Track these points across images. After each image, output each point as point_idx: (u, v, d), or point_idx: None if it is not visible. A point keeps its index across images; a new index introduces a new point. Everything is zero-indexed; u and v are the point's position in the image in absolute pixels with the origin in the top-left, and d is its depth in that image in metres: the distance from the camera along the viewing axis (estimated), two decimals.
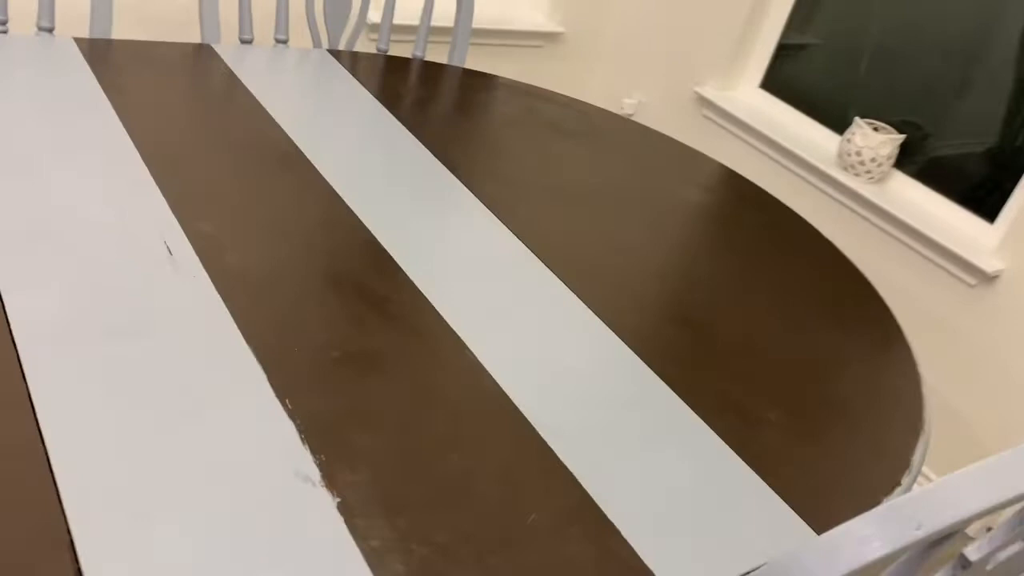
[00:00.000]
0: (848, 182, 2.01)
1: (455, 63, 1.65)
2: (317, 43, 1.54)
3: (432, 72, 1.55)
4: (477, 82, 1.56)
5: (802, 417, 0.91)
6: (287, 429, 0.72)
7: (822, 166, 2.07)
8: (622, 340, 0.95)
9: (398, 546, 0.65)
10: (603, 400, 0.85)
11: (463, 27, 1.64)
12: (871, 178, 2.01)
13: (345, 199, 1.08)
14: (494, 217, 1.12)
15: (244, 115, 1.21)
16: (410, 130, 1.30)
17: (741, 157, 2.34)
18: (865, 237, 2.03)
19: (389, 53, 1.58)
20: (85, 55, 1.23)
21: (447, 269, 0.99)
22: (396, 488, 0.70)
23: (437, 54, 2.43)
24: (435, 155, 1.24)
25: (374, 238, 1.01)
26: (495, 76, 1.60)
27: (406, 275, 0.96)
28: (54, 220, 0.89)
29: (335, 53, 1.49)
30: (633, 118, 2.75)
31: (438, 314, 0.91)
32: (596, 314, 0.98)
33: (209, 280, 0.87)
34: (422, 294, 0.93)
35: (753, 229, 1.29)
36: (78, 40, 1.27)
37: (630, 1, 2.66)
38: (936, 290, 1.90)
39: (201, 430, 0.70)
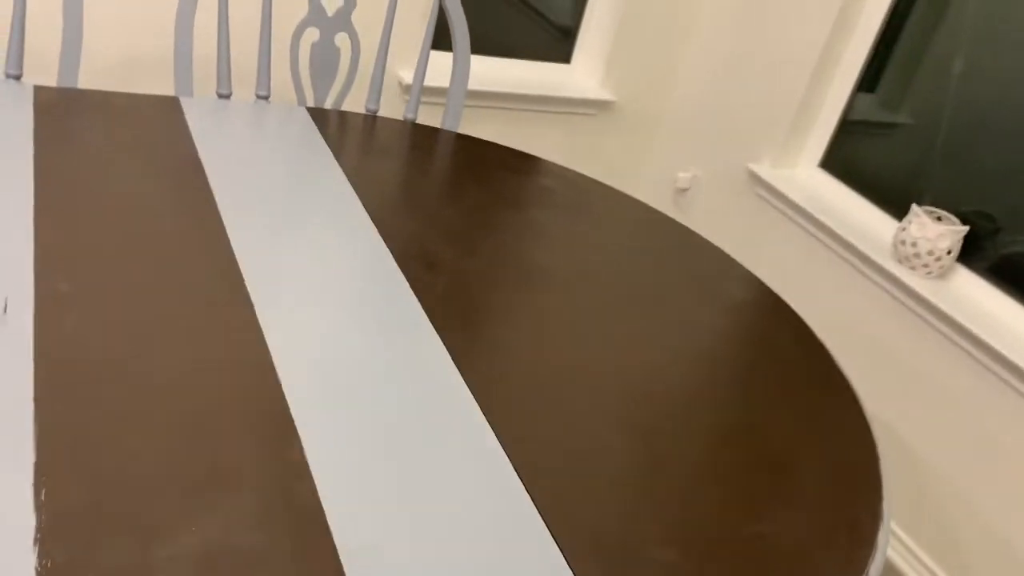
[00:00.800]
0: (902, 276, 1.79)
1: (448, 127, 1.57)
2: (301, 100, 1.49)
3: (412, 134, 1.46)
4: (457, 145, 1.47)
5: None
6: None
7: (876, 257, 1.85)
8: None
9: None
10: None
11: (457, 89, 1.56)
12: (929, 272, 1.78)
13: (242, 268, 0.99)
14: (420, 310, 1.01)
15: (171, 170, 1.15)
16: (356, 191, 1.21)
17: (792, 241, 2.15)
18: (920, 337, 1.79)
19: (379, 115, 1.51)
20: (36, 103, 1.21)
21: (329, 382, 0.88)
22: None
23: (465, 119, 2.37)
24: (375, 224, 1.15)
25: (256, 323, 0.91)
26: (483, 141, 1.50)
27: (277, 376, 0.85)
28: None
29: (318, 112, 1.43)
30: (688, 194, 2.60)
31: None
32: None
33: (31, 342, 0.79)
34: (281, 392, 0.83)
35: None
36: (38, 88, 1.25)
37: (688, 70, 2.53)
38: (993, 404, 1.64)
39: None
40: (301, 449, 0.76)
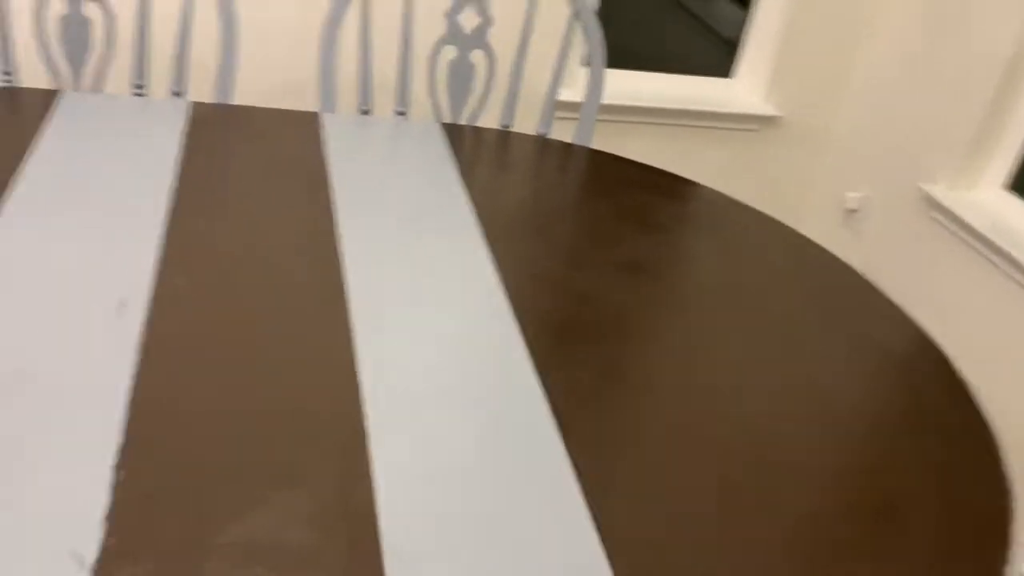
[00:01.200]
0: None
1: (579, 142, 1.55)
2: (438, 116, 1.53)
3: (542, 150, 1.46)
4: (587, 162, 1.45)
5: None
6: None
7: None
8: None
9: None
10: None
11: (590, 104, 1.54)
12: None
13: (348, 285, 1.02)
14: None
15: (299, 181, 1.21)
16: (476, 210, 1.23)
17: (971, 271, 1.95)
18: None
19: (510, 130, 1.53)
20: (190, 117, 1.32)
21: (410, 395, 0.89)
22: None
23: (609, 134, 2.33)
24: (490, 247, 1.16)
25: (350, 348, 0.95)
26: (614, 157, 1.48)
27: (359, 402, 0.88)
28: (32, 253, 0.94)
29: (452, 127, 1.46)
30: (857, 215, 2.43)
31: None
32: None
33: (138, 337, 0.86)
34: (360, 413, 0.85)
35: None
36: (195, 104, 1.36)
37: (858, 83, 2.37)
38: None
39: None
40: (369, 470, 0.77)
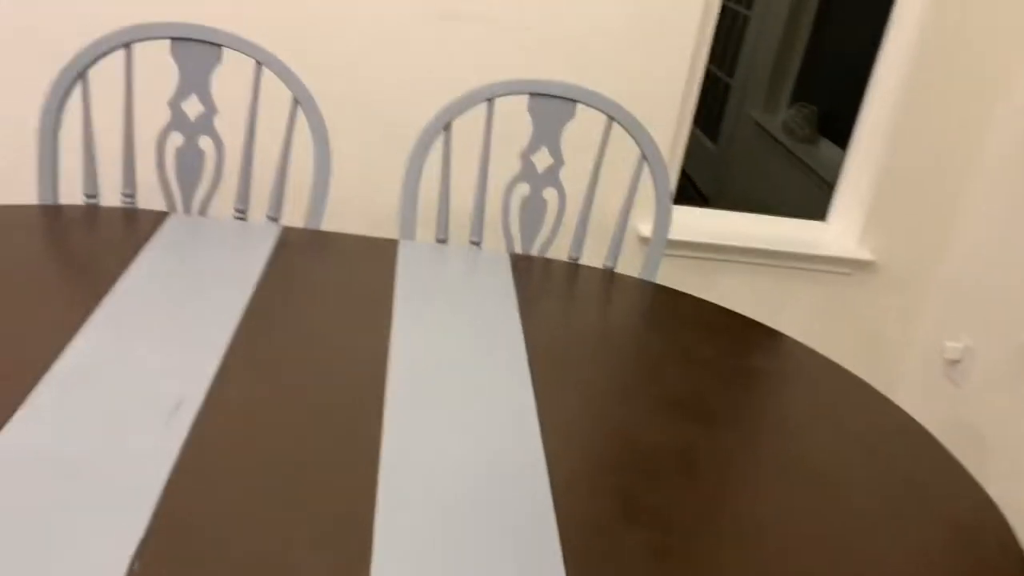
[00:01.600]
0: None
1: (646, 277, 1.59)
2: (509, 247, 1.60)
3: (605, 283, 1.50)
4: (649, 299, 1.48)
5: None
6: None
7: None
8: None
9: None
10: None
11: (657, 240, 1.58)
12: None
13: (387, 402, 1.08)
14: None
15: (365, 304, 1.29)
16: (526, 333, 1.27)
17: None
18: None
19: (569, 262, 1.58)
20: (279, 240, 1.45)
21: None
22: None
23: (702, 271, 2.35)
24: (534, 390, 1.20)
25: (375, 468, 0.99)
26: (679, 294, 1.50)
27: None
28: (102, 363, 1.04)
29: (521, 258, 1.53)
30: (959, 366, 2.32)
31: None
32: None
33: (184, 438, 0.93)
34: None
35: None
36: (286, 228, 1.49)
37: (959, 229, 2.31)
38: None
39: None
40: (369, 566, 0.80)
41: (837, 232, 2.46)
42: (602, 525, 0.91)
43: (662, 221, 1.58)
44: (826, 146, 3.51)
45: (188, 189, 1.57)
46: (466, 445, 1.01)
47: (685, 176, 4.53)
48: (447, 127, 1.57)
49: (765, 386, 1.25)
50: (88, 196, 1.51)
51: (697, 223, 2.38)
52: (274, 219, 1.57)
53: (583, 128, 2.10)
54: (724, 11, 4.67)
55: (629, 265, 2.31)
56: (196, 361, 1.08)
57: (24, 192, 2.13)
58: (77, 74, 1.48)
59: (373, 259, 1.44)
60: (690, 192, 4.51)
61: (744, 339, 1.38)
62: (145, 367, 1.05)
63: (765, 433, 1.13)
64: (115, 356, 1.06)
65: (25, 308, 1.13)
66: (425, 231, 2.13)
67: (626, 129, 1.57)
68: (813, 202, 3.35)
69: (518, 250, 1.65)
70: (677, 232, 2.29)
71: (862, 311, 2.46)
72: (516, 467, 0.98)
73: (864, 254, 2.36)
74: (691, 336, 1.36)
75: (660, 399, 1.17)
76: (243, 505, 0.85)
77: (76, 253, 1.30)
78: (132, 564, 0.76)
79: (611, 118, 1.56)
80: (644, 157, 1.57)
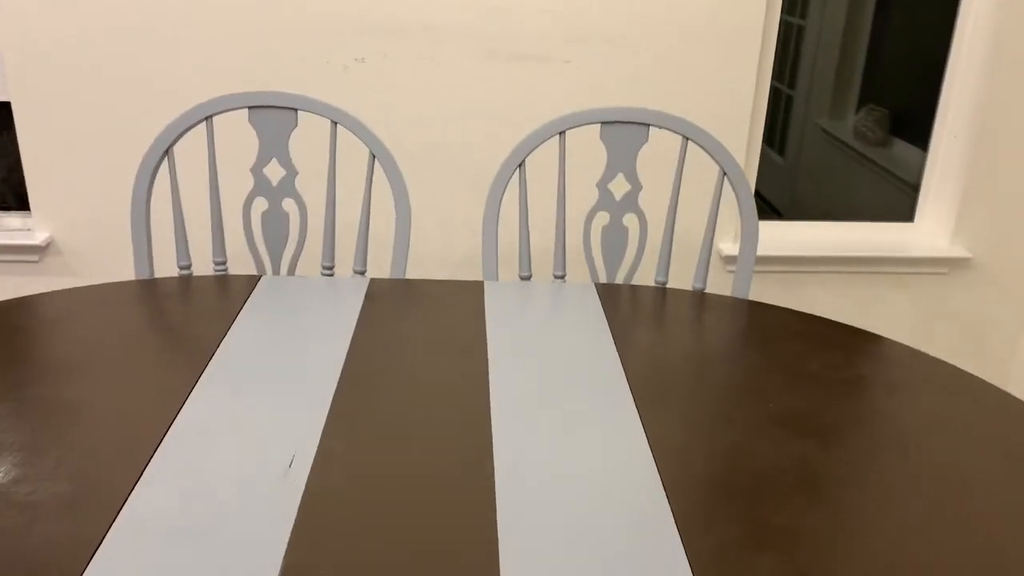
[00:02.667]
0: None
1: (738, 294, 1.55)
2: (594, 277, 1.59)
3: (695, 304, 1.47)
4: (747, 313, 1.44)
5: None
6: None
7: None
8: None
9: None
10: None
11: (745, 256, 1.55)
12: None
13: (494, 438, 1.07)
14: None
15: (459, 347, 1.29)
16: (623, 361, 1.25)
17: None
18: None
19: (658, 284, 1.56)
20: (368, 291, 1.46)
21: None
22: None
23: (791, 285, 2.29)
24: (635, 399, 1.18)
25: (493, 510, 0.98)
26: (775, 308, 1.46)
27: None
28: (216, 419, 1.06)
29: (608, 287, 1.52)
30: None
31: None
32: None
33: (302, 491, 0.94)
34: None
35: None
36: (373, 280, 1.51)
37: None
38: None
39: None
40: None
41: (926, 232, 2.38)
42: (731, 550, 0.88)
43: (750, 235, 1.55)
44: (901, 147, 3.42)
45: (276, 251, 1.60)
46: (579, 473, 0.99)
47: (756, 193, 4.46)
48: (521, 164, 1.57)
49: (877, 395, 1.20)
50: (182, 267, 1.56)
51: (779, 236, 2.33)
52: (361, 272, 1.59)
53: (655, 153, 2.09)
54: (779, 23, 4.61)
55: (715, 287, 2.27)
56: (304, 415, 1.09)
57: (119, 271, 2.21)
58: (164, 151, 1.54)
59: (461, 301, 1.45)
60: (763, 208, 4.43)
61: (848, 348, 1.33)
62: (256, 425, 1.07)
63: (886, 444, 1.08)
64: (226, 417, 1.08)
65: (136, 378, 1.16)
66: (506, 271, 2.14)
67: (702, 147, 1.55)
68: (893, 205, 3.26)
69: (602, 280, 1.64)
70: (760, 247, 2.24)
71: (963, 310, 2.36)
72: (633, 494, 0.96)
73: (959, 251, 2.28)
74: (793, 349, 1.32)
75: (769, 416, 1.13)
76: (366, 551, 0.85)
77: (178, 321, 1.34)
78: None
79: (686, 138, 1.55)
80: (724, 173, 1.55)
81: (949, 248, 2.29)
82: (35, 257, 2.17)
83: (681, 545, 0.88)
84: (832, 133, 3.92)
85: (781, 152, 4.52)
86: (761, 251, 2.22)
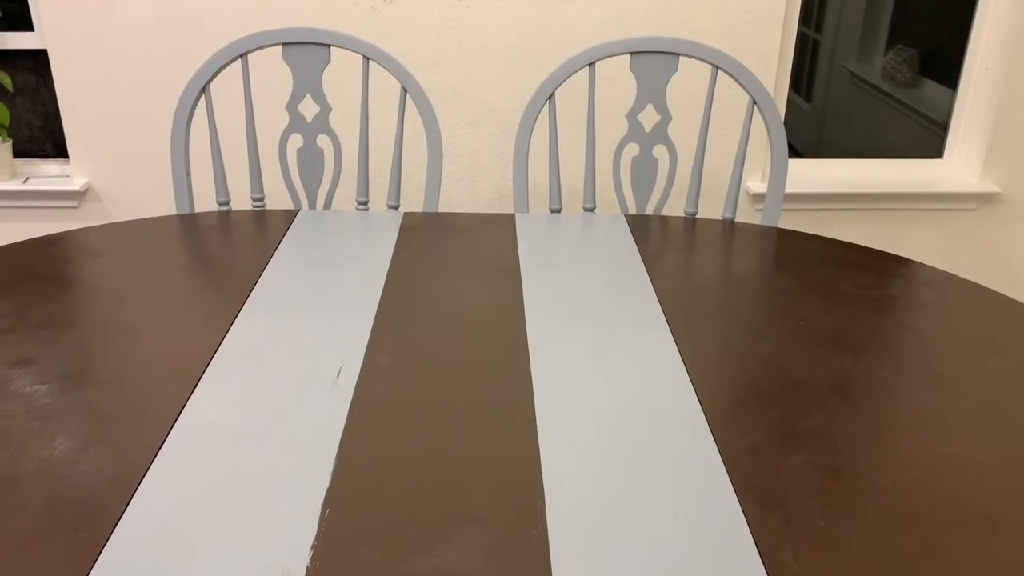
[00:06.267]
0: None
1: (767, 223, 1.56)
2: (624, 209, 1.61)
3: (726, 232, 1.49)
4: (775, 240, 1.46)
5: None
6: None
7: None
8: None
9: None
10: None
11: (774, 191, 1.56)
12: None
13: (532, 358, 1.11)
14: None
15: (492, 273, 1.32)
16: (655, 285, 1.28)
17: None
18: None
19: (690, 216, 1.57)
20: (403, 224, 1.49)
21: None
22: None
23: (820, 222, 2.29)
24: (667, 319, 1.20)
25: (533, 420, 1.02)
26: (805, 234, 1.47)
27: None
28: (258, 341, 1.10)
29: (638, 218, 1.54)
30: None
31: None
32: None
33: (349, 400, 0.98)
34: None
35: None
36: (407, 214, 1.54)
37: None
38: None
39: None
40: (544, 514, 0.83)
41: (955, 168, 2.36)
42: (765, 452, 0.91)
43: (779, 168, 1.56)
44: (930, 87, 3.38)
45: (312, 187, 1.64)
46: (616, 390, 1.02)
47: None
48: (551, 97, 1.59)
49: (910, 313, 1.22)
50: (221, 203, 1.59)
51: (809, 174, 2.33)
52: (394, 207, 1.62)
53: (686, 84, 2.09)
54: None
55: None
56: (348, 331, 1.13)
57: (157, 214, 2.26)
58: (200, 89, 1.57)
59: (493, 232, 1.48)
60: (790, 154, 4.40)
61: (881, 270, 1.34)
62: (302, 341, 1.11)
63: (918, 357, 1.10)
64: (273, 335, 1.12)
65: (183, 304, 1.21)
66: (536, 206, 2.16)
67: (732, 76, 1.56)
68: (923, 145, 3.23)
69: (632, 211, 1.66)
70: (789, 185, 2.25)
71: (992, 245, 2.35)
72: (669, 406, 0.99)
73: (988, 186, 2.27)
74: (825, 272, 1.34)
75: (801, 333, 1.15)
76: (412, 453, 0.89)
77: (219, 253, 1.38)
78: (323, 510, 0.81)
79: (716, 67, 1.55)
80: (754, 102, 1.55)
81: (978, 184, 2.28)
82: (74, 203, 2.22)
83: (715, 447, 0.91)
84: (860, 76, 3.87)
85: (808, 98, 4.47)
86: (790, 189, 2.23)
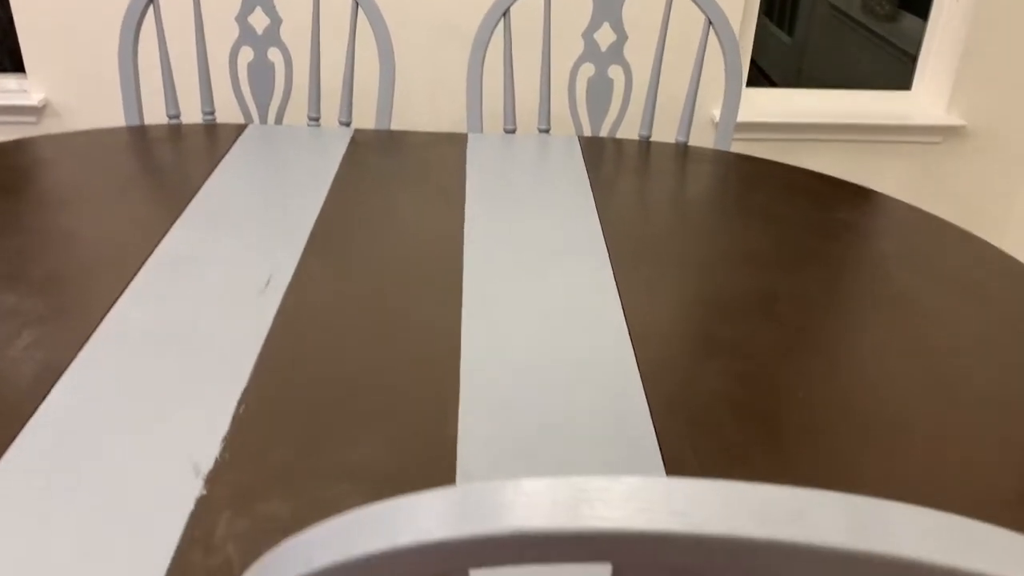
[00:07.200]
0: None
1: (721, 147, 1.56)
2: (579, 131, 1.60)
3: (678, 155, 1.49)
4: (722, 163, 1.46)
5: None
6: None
7: None
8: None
9: None
10: None
11: (726, 116, 1.55)
12: None
13: (465, 269, 1.11)
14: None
15: (437, 190, 1.32)
16: (597, 201, 1.28)
17: None
18: None
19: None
20: (352, 141, 1.48)
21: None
22: None
23: (783, 152, 2.29)
24: (603, 232, 1.21)
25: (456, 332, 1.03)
26: (762, 159, 1.47)
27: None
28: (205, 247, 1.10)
29: (592, 140, 1.53)
30: None
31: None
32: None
33: (277, 307, 0.99)
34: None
35: None
36: (358, 130, 1.53)
37: None
38: None
39: None
40: (456, 413, 0.84)
41: (923, 100, 2.35)
42: (680, 360, 0.92)
43: (733, 85, 1.55)
44: (909, 20, 3.34)
45: (263, 101, 1.62)
46: (542, 303, 1.03)
47: (761, 72, 4.38)
48: (506, 13, 1.56)
49: (853, 235, 1.23)
50: (171, 117, 1.58)
51: (775, 104, 2.32)
52: (346, 124, 1.60)
53: (644, 2, 2.06)
54: None
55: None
56: (283, 243, 1.13)
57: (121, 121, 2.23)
58: (148, 1, 1.54)
59: (443, 152, 1.47)
60: (768, 85, 4.36)
61: (832, 197, 1.35)
62: (235, 252, 1.11)
63: (852, 275, 1.12)
64: (207, 245, 1.13)
65: (121, 211, 1.20)
66: (491, 125, 2.14)
67: None
68: (900, 78, 3.21)
69: (587, 134, 1.65)
70: (755, 114, 2.23)
71: (956, 180, 2.36)
72: (593, 320, 1.00)
73: (954, 119, 2.26)
74: (773, 197, 1.34)
75: (740, 253, 1.16)
76: (332, 354, 0.90)
77: (164, 164, 1.37)
78: (238, 407, 0.82)
79: None
80: (710, 22, 1.53)
81: (945, 116, 2.27)
82: (33, 118, 2.19)
83: (633, 355, 0.93)
84: (841, 8, 3.82)
85: (790, 31, 4.41)
86: (755, 118, 2.21)
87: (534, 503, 0.31)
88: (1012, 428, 0.84)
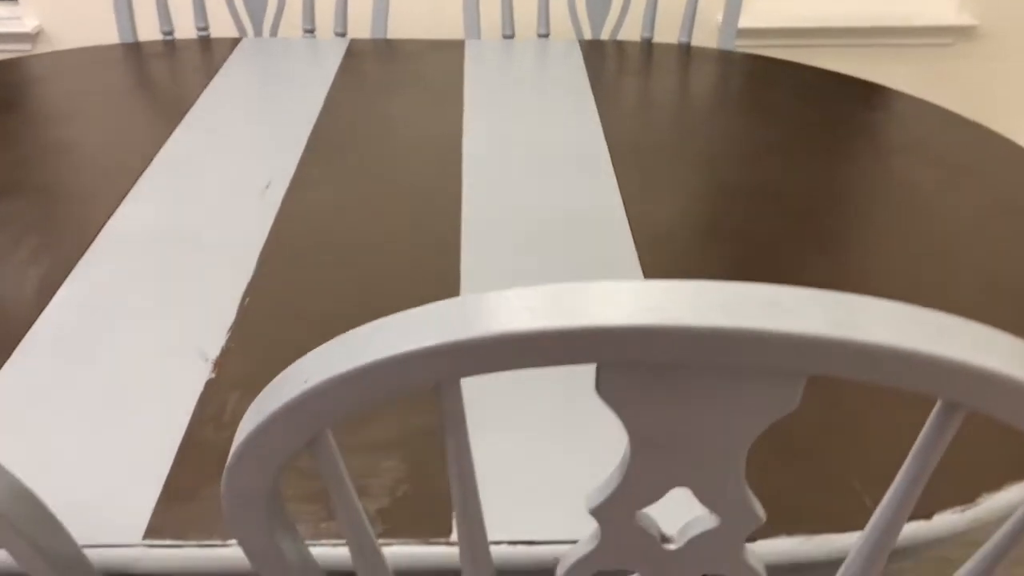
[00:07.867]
0: None
1: (724, 46, 1.54)
2: (579, 35, 1.57)
3: (680, 55, 1.47)
4: (734, 64, 1.44)
5: None
6: None
7: None
8: None
9: None
10: None
11: (729, 15, 1.52)
12: None
13: (464, 188, 1.11)
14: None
15: (435, 98, 1.31)
16: (597, 100, 1.27)
17: None
18: None
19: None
20: (348, 51, 1.46)
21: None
22: None
23: (790, 58, 2.25)
24: (609, 148, 1.20)
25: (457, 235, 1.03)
26: (768, 58, 1.45)
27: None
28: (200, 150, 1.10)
29: (592, 44, 1.51)
30: None
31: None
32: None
33: (277, 208, 0.99)
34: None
35: None
36: (353, 40, 1.51)
37: None
38: None
39: None
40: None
41: (933, 1, 2.30)
42: (681, 248, 0.92)
43: None
44: None
45: (257, 14, 1.59)
46: (543, 204, 1.03)
47: None
48: None
49: (859, 127, 1.21)
50: (165, 33, 1.56)
51: (779, 8, 2.27)
52: (341, 34, 1.58)
53: None
54: None
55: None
56: (281, 149, 1.13)
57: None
58: None
59: (440, 59, 1.45)
60: None
61: (838, 93, 1.33)
62: (234, 157, 1.11)
63: (853, 161, 1.11)
64: (206, 150, 1.12)
65: (119, 123, 1.20)
66: (490, 33, 2.11)
67: None
68: None
69: (588, 37, 1.62)
70: (758, 19, 2.19)
71: (968, 82, 2.32)
72: (594, 212, 1.00)
73: (965, 19, 2.21)
74: (778, 94, 1.32)
75: (744, 146, 1.15)
76: (334, 247, 0.91)
77: (160, 78, 1.36)
78: (243, 299, 0.83)
79: None
80: None
81: (956, 16, 2.22)
82: (27, 46, 2.17)
83: (636, 256, 0.93)
84: None
85: None
86: (761, 23, 2.17)
87: (517, 307, 0.32)
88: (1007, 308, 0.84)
